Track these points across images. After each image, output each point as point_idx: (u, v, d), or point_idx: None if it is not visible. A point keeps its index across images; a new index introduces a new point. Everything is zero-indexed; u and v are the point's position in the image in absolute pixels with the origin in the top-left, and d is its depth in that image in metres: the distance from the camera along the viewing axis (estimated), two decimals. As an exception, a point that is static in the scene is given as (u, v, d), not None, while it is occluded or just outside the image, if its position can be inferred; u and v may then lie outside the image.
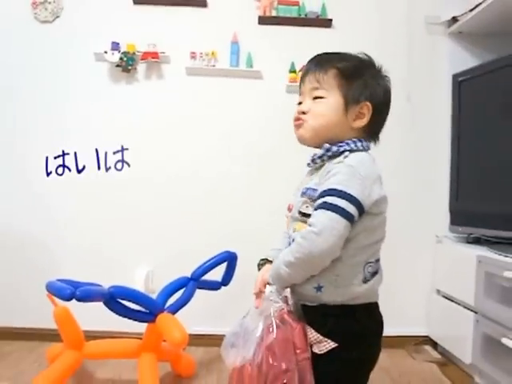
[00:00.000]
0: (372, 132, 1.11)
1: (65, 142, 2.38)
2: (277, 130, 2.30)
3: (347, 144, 1.04)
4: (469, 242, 2.21)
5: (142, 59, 2.31)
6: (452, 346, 2.16)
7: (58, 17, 2.35)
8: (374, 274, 1.04)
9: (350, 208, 0.94)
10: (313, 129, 1.07)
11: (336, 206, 0.93)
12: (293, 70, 2.33)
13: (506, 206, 1.93)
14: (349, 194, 0.94)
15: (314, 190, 1.02)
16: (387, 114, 1.12)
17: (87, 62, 2.35)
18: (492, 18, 2.12)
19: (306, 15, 2.37)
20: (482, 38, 2.33)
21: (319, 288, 0.99)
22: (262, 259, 1.17)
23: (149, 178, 2.38)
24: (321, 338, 0.98)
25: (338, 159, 1.02)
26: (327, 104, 1.07)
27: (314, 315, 1.01)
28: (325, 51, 1.15)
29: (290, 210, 1.12)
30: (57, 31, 2.36)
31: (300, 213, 1.04)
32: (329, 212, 0.93)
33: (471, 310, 1.97)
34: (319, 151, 1.07)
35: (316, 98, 1.08)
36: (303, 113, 1.09)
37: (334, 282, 0.99)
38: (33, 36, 2.36)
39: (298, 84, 1.16)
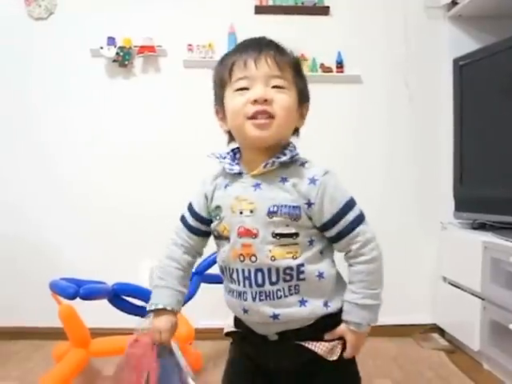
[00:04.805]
0: (295, 134, 1.00)
1: (63, 139, 2.36)
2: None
3: (292, 150, 0.94)
4: (474, 228, 2.19)
5: (138, 53, 2.29)
6: (459, 333, 2.15)
7: (52, 13, 2.33)
8: None
9: None
10: (279, 126, 0.89)
11: (363, 213, 0.92)
12: (291, 60, 2.30)
13: (511, 191, 1.91)
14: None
15: (295, 207, 0.88)
16: None
17: (83, 58, 2.33)
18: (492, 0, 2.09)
19: (302, 3, 2.33)
20: (482, 21, 2.30)
21: (326, 304, 0.92)
22: (156, 308, 1.00)
23: (150, 173, 2.37)
24: (329, 344, 0.93)
25: (313, 170, 0.92)
26: (291, 96, 0.92)
27: (314, 331, 0.93)
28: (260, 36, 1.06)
29: (244, 234, 0.90)
30: (51, 28, 2.33)
31: (278, 235, 0.89)
32: (366, 223, 0.92)
33: (478, 297, 1.96)
34: (262, 155, 0.92)
35: (276, 87, 0.90)
36: (265, 101, 0.88)
37: (341, 291, 0.94)
38: (27, 33, 2.33)
39: (229, 65, 0.96)
